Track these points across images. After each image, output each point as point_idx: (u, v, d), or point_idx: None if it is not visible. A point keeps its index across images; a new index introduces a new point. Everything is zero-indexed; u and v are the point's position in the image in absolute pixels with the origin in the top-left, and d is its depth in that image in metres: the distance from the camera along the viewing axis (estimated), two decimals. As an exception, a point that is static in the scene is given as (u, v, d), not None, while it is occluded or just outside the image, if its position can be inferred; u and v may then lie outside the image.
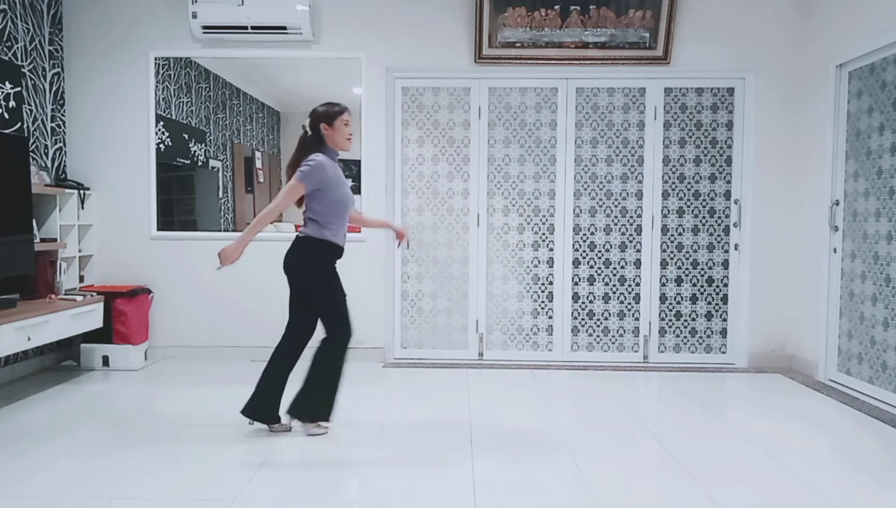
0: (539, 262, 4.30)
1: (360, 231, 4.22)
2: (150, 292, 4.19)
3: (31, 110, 3.89)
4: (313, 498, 2.23)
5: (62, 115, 4.19)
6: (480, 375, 3.96)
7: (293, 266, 2.77)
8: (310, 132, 2.80)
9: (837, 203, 3.79)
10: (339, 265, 4.29)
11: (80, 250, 4.10)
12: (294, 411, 2.83)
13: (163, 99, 4.20)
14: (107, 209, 4.25)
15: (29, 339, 3.24)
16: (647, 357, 4.30)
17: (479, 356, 4.30)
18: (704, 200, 4.26)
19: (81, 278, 4.16)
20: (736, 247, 4.25)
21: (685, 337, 4.30)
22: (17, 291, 3.50)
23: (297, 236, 2.80)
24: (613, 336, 4.31)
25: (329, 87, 4.23)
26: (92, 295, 3.83)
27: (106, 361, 3.99)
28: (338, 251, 2.82)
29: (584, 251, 4.29)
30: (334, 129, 2.77)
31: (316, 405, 2.82)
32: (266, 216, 2.69)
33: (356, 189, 4.22)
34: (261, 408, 2.84)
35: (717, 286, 4.28)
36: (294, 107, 4.29)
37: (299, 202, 2.80)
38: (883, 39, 3.39)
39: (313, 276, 2.77)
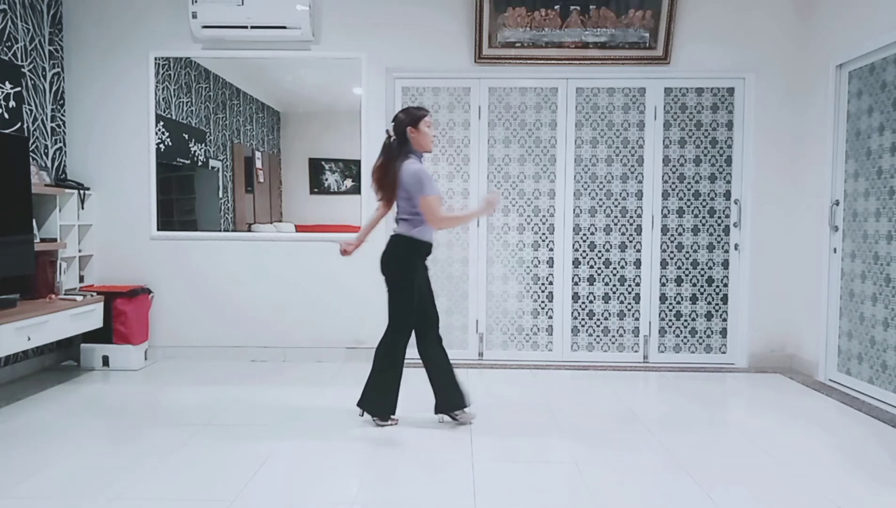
0: (539, 262, 4.30)
1: (360, 231, 4.22)
2: (150, 292, 4.19)
3: (31, 110, 3.89)
4: (313, 498, 2.23)
5: (62, 115, 4.19)
6: (480, 375, 3.96)
7: (388, 264, 2.92)
8: (394, 137, 2.89)
9: (837, 203, 3.79)
10: (340, 265, 4.29)
11: (80, 250, 4.10)
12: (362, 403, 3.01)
13: (163, 99, 4.20)
14: (107, 209, 4.25)
15: (29, 339, 3.24)
16: (647, 357, 4.30)
17: (479, 355, 4.30)
18: (704, 200, 4.26)
19: (81, 278, 4.16)
20: (736, 247, 4.25)
21: (685, 337, 4.30)
22: (17, 291, 3.50)
23: (391, 235, 2.94)
24: (613, 336, 4.31)
25: (329, 87, 4.23)
26: (92, 295, 3.83)
27: (106, 361, 3.99)
28: (429, 248, 2.95)
29: (584, 251, 4.29)
30: (420, 131, 2.87)
31: (367, 400, 2.98)
32: (454, 219, 3.09)
33: (356, 189, 4.23)
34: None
35: (717, 286, 4.27)
36: (294, 107, 4.29)
37: (390, 203, 3.01)
38: (883, 39, 3.39)
39: (402, 272, 2.90)
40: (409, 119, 2.88)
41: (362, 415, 3.02)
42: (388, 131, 2.95)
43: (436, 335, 3.00)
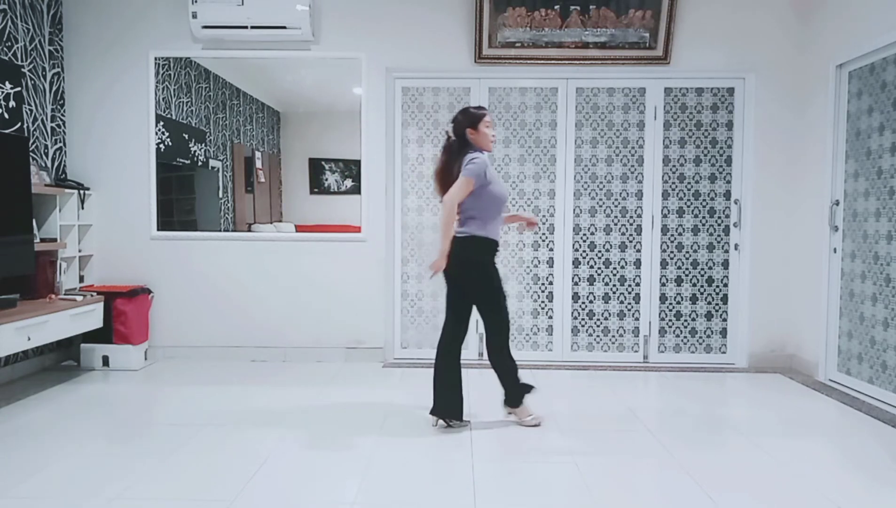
0: (539, 262, 4.30)
1: (360, 231, 4.23)
2: (150, 292, 4.19)
3: (31, 110, 3.89)
4: (313, 499, 2.23)
5: (62, 115, 4.19)
6: (480, 375, 3.95)
7: (458, 265, 2.82)
8: (453, 137, 2.89)
9: (837, 203, 3.79)
10: (340, 265, 4.30)
11: (80, 250, 4.10)
12: (507, 401, 3.03)
13: (163, 99, 4.20)
14: (107, 209, 4.25)
15: (29, 339, 3.24)
16: (647, 357, 4.30)
17: (479, 356, 4.30)
18: (704, 200, 4.26)
19: (81, 278, 4.16)
20: (736, 247, 4.25)
21: (685, 337, 4.30)
22: (17, 291, 3.50)
23: (457, 236, 2.83)
24: (613, 336, 4.31)
25: (329, 87, 4.23)
26: (92, 295, 3.83)
27: (106, 361, 3.99)
28: (497, 247, 2.92)
29: (584, 251, 4.29)
30: (479, 132, 2.86)
31: (510, 395, 3.00)
32: (449, 218, 2.76)
33: (356, 189, 4.23)
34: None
35: (717, 286, 4.27)
36: (294, 107, 4.29)
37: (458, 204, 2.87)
38: (883, 39, 3.39)
39: (480, 273, 2.85)
40: (467, 120, 2.87)
41: (510, 414, 3.05)
42: (447, 133, 2.94)
43: (461, 341, 2.98)
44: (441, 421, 2.96)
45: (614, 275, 4.29)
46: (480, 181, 2.77)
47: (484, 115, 2.88)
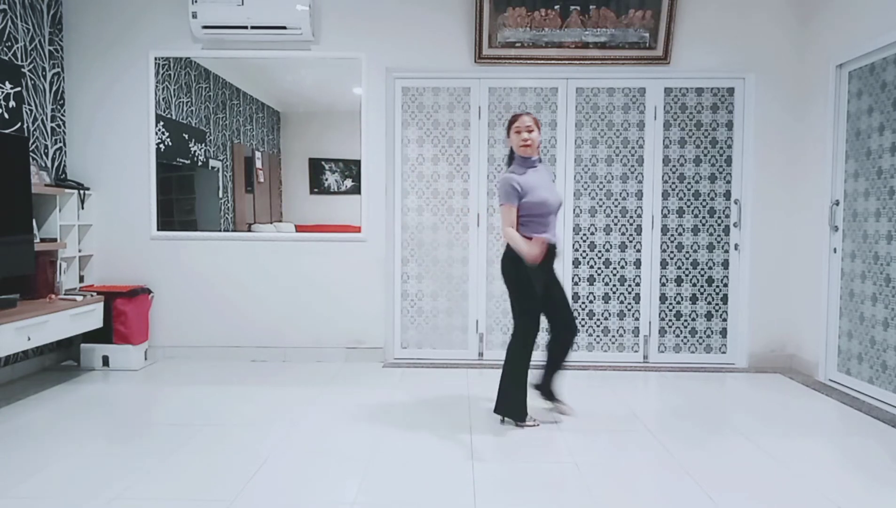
0: (539, 262, 4.29)
1: (360, 231, 4.23)
2: (150, 292, 4.19)
3: (31, 110, 3.89)
4: (312, 498, 2.23)
5: (62, 115, 4.19)
6: (480, 375, 3.96)
7: (504, 268, 2.98)
8: None
9: (837, 203, 3.79)
10: (339, 265, 4.29)
11: (80, 250, 4.10)
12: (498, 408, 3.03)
13: (163, 99, 4.20)
14: (107, 209, 4.25)
15: (29, 339, 3.24)
16: (647, 357, 4.30)
17: (479, 355, 4.30)
18: (704, 200, 4.26)
19: (81, 278, 4.16)
20: (736, 247, 4.25)
21: (685, 337, 4.30)
22: (17, 291, 3.50)
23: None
24: (613, 336, 4.31)
25: (329, 87, 4.23)
26: (92, 295, 3.83)
27: (106, 361, 3.99)
28: (551, 250, 2.98)
29: (584, 251, 4.29)
30: (511, 140, 3.03)
31: (508, 403, 3.00)
32: (514, 237, 2.88)
33: (356, 189, 4.23)
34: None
35: (717, 286, 4.27)
36: (294, 107, 4.29)
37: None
38: (883, 39, 3.39)
39: (517, 276, 2.93)
40: (506, 130, 3.05)
41: (503, 422, 3.02)
42: None
43: (563, 337, 3.07)
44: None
45: (614, 275, 4.29)
46: (514, 199, 2.88)
47: (513, 120, 3.00)
